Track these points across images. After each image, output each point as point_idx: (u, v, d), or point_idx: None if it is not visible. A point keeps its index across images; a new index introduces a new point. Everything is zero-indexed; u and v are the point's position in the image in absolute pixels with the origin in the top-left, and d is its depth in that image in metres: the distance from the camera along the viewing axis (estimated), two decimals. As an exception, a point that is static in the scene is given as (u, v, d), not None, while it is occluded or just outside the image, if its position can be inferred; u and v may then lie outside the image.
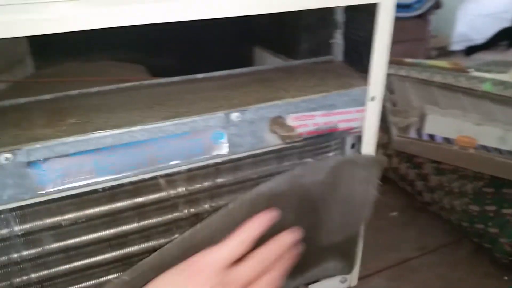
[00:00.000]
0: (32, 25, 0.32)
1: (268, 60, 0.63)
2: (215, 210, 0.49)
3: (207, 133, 0.43)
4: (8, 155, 0.35)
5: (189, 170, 0.45)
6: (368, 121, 0.48)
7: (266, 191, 0.45)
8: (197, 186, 0.47)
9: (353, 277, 0.65)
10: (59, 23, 0.33)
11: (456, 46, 2.09)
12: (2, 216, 0.39)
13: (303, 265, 0.53)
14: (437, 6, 1.73)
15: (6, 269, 0.41)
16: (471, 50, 2.04)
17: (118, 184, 0.42)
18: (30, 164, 0.36)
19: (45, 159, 0.37)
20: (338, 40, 0.51)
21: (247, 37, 0.67)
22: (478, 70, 1.04)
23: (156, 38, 0.60)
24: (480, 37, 2.07)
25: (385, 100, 0.48)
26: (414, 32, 1.70)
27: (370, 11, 0.43)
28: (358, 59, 0.48)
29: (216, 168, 0.47)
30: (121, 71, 0.56)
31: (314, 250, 0.54)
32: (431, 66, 1.07)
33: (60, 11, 0.33)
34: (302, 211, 0.49)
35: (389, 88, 0.85)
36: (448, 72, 0.98)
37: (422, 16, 1.75)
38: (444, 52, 2.08)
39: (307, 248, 0.51)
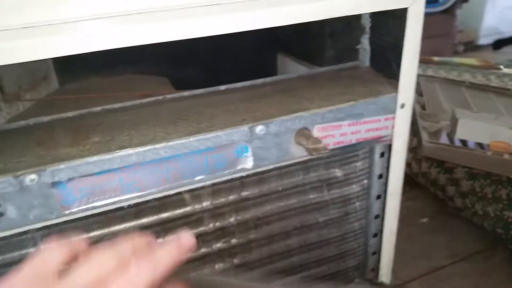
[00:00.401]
0: (59, 46, 0.32)
1: (291, 67, 0.62)
2: (240, 223, 0.48)
3: (231, 148, 0.42)
4: (33, 176, 0.35)
5: (214, 184, 0.44)
6: (397, 129, 0.46)
7: None
8: (222, 200, 0.46)
9: None
10: (85, 43, 0.33)
11: (484, 40, 2.02)
12: (29, 235, 0.39)
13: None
14: (464, 0, 1.68)
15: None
16: (499, 44, 1.97)
17: (143, 201, 0.41)
18: (54, 184, 0.36)
19: (70, 179, 0.37)
20: (364, 45, 0.49)
21: (270, 44, 0.66)
22: (508, 66, 1.00)
23: (178, 50, 0.59)
24: (510, 29, 2.00)
25: (413, 102, 0.46)
26: (440, 28, 1.65)
27: (398, 16, 0.41)
28: (386, 65, 0.46)
29: (241, 182, 0.46)
30: (145, 84, 0.56)
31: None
32: (460, 64, 1.04)
33: (85, 31, 0.32)
34: None
35: (417, 90, 0.83)
36: (478, 70, 0.95)
37: (449, 11, 1.70)
38: (471, 46, 2.01)
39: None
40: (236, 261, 0.50)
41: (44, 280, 0.27)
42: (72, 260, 0.28)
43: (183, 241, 0.29)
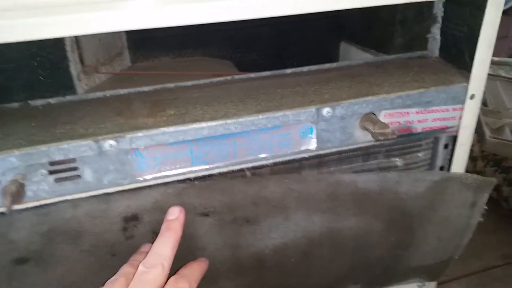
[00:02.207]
0: (124, 20, 0.33)
1: (355, 55, 0.62)
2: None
3: (297, 128, 0.42)
4: (112, 142, 0.37)
5: (275, 164, 0.45)
6: (465, 121, 0.46)
7: (349, 183, 0.44)
8: (282, 180, 0.46)
9: (432, 283, 0.62)
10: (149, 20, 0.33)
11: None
12: (102, 199, 0.41)
13: (384, 281, 0.51)
14: (525, 0, 1.60)
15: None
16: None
17: (209, 175, 0.43)
18: (131, 151, 0.38)
19: (146, 147, 0.38)
20: (435, 35, 0.49)
21: (334, 32, 0.66)
22: None
23: (243, 35, 0.61)
24: None
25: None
26: (498, 29, 1.59)
27: (477, 4, 0.40)
28: (457, 55, 0.45)
29: (300, 163, 0.47)
30: (211, 66, 0.58)
31: (400, 269, 0.51)
32: (521, 64, 1.00)
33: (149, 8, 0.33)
34: (393, 224, 0.46)
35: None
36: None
37: (508, 12, 1.63)
38: (528, 49, 1.92)
39: (393, 266, 0.49)
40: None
41: None
42: None
43: (170, 221, 0.38)
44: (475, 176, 0.47)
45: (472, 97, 0.44)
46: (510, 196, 0.77)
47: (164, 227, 0.38)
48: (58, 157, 0.36)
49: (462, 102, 0.44)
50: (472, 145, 0.80)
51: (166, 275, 0.36)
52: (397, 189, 0.44)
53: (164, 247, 0.37)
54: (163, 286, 0.35)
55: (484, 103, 0.76)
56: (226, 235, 0.44)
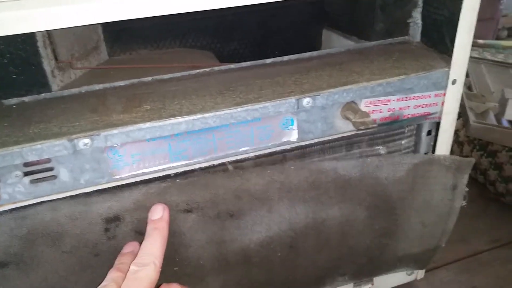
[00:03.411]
0: (103, 12, 0.32)
1: (337, 42, 0.61)
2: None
3: (277, 119, 0.42)
4: (87, 140, 0.36)
5: (257, 157, 0.44)
6: (447, 106, 0.45)
7: (330, 170, 0.44)
8: (265, 172, 0.46)
9: (420, 270, 0.62)
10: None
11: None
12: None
13: (372, 271, 0.51)
14: (511, -19, 1.59)
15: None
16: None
17: (189, 170, 0.42)
18: (107, 149, 0.37)
19: (122, 144, 0.38)
20: (416, 19, 0.48)
21: (316, 19, 0.64)
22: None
23: (223, 24, 0.59)
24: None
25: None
26: (484, 11, 1.58)
27: (456, -13, 0.40)
28: (438, 39, 0.45)
29: (283, 155, 0.46)
30: (191, 57, 0.57)
31: (387, 258, 0.51)
32: (506, 47, 1.00)
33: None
34: (375, 211, 0.46)
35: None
36: (526, 53, 0.91)
37: (494, -7, 1.62)
38: (515, 32, 1.92)
39: (379, 255, 0.48)
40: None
41: None
42: None
43: (156, 221, 0.39)
44: (453, 157, 0.46)
45: (453, 82, 0.44)
46: (496, 180, 0.78)
47: (151, 227, 0.39)
48: (32, 157, 0.35)
49: (444, 87, 0.44)
50: (458, 130, 0.80)
51: (158, 272, 0.36)
52: (377, 174, 0.44)
53: (154, 247, 0.37)
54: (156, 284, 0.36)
55: (468, 88, 0.75)
56: (211, 230, 0.43)
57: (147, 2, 0.33)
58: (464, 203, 0.82)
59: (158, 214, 0.39)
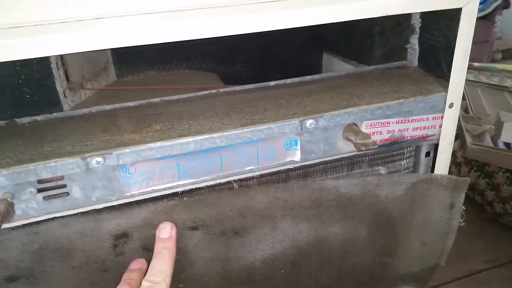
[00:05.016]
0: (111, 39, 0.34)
1: (337, 66, 0.63)
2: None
3: (281, 140, 0.43)
4: (99, 159, 0.37)
5: (261, 176, 0.46)
6: (445, 129, 0.47)
7: (332, 188, 0.45)
8: (269, 191, 0.47)
9: (420, 288, 0.63)
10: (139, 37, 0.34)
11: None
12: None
13: None
14: (505, 6, 1.64)
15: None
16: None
17: (196, 188, 0.43)
18: (118, 167, 0.39)
19: (133, 163, 0.39)
20: (413, 45, 0.50)
21: (316, 43, 0.67)
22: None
23: (227, 47, 0.62)
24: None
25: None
26: (479, 34, 1.62)
27: (451, 16, 0.42)
28: (435, 64, 0.47)
29: (287, 174, 0.48)
30: (196, 79, 0.59)
31: (387, 276, 0.52)
32: (501, 70, 1.02)
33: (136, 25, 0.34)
34: (376, 229, 0.47)
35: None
36: (520, 76, 0.93)
37: (488, 17, 1.67)
38: (509, 54, 1.96)
39: (380, 273, 0.49)
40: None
41: None
42: None
43: (166, 240, 0.40)
44: (450, 176, 0.48)
45: (450, 105, 0.46)
46: (494, 200, 0.79)
47: (160, 245, 0.40)
48: (46, 175, 0.37)
49: (441, 111, 0.46)
50: (456, 151, 0.81)
51: None
52: (377, 192, 0.46)
53: (164, 265, 0.39)
54: None
55: (465, 110, 0.77)
56: (216, 248, 0.44)
57: (154, 30, 0.34)
58: (462, 223, 0.83)
59: (167, 233, 0.41)
